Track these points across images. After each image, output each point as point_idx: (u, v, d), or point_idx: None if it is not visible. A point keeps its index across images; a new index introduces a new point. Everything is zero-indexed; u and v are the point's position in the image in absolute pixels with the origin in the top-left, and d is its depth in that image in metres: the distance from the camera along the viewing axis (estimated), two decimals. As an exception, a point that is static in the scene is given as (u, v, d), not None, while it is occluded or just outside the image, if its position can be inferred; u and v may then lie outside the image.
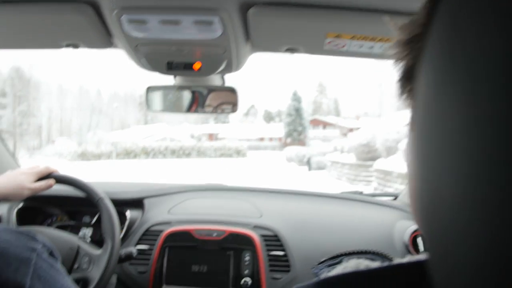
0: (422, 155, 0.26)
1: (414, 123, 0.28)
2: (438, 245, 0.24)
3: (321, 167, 18.23)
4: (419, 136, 0.27)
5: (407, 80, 0.30)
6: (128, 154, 22.44)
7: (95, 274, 1.17)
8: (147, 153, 23.43)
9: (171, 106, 1.55)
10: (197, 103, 1.49)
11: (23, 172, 1.23)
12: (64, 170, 1.36)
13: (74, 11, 0.94)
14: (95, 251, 1.23)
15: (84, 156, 25.56)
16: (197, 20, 0.93)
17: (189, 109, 1.52)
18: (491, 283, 0.19)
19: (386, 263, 0.33)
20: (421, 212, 0.27)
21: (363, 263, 0.40)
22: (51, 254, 0.52)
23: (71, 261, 1.19)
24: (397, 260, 0.34)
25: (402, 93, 0.32)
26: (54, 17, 0.96)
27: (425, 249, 0.27)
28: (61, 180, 1.31)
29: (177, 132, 28.27)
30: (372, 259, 1.10)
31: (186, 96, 1.50)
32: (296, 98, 51.07)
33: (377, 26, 0.94)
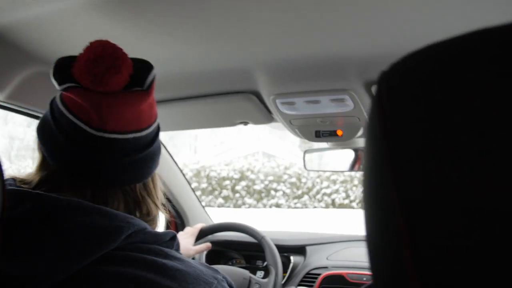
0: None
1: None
2: None
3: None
4: None
5: None
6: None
7: None
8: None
9: (332, 165, 1.78)
10: (360, 161, 1.69)
11: (186, 237, 1.58)
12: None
13: (243, 99, 1.28)
14: (263, 280, 1.52)
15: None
16: (332, 98, 1.18)
17: (353, 167, 1.72)
18: None
19: None
20: None
21: None
22: (229, 285, 0.73)
23: None
24: None
25: None
26: (229, 104, 1.32)
27: None
28: (214, 230, 1.68)
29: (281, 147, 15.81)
30: None
31: (349, 155, 1.72)
32: None
33: None
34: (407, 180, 0.29)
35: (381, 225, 0.32)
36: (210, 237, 1.97)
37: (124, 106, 0.69)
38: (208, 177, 12.46)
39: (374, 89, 1.15)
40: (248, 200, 12.17)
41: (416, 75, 0.30)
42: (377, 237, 0.33)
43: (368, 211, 0.35)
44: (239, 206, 11.99)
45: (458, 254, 0.26)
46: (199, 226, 1.68)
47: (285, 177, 12.08)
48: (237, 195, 12.24)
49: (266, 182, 12.15)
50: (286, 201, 11.99)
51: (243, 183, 12.26)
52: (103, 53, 0.67)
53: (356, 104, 1.19)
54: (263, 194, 12.17)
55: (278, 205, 11.98)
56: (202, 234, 1.69)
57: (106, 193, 0.72)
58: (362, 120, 1.27)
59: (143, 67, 0.73)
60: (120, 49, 0.70)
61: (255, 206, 11.92)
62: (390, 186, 0.30)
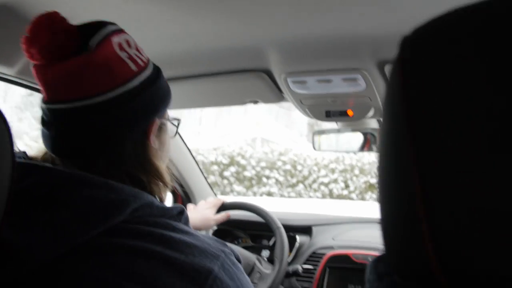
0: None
1: None
2: None
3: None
4: None
5: None
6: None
7: None
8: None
9: (341, 145, 1.78)
10: (369, 143, 1.70)
11: (208, 207, 1.60)
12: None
13: (254, 77, 1.28)
14: (266, 270, 1.53)
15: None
16: (344, 78, 1.18)
17: (362, 149, 1.73)
18: None
19: None
20: None
21: None
22: (236, 258, 0.73)
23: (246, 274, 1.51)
24: None
25: None
26: (240, 83, 1.33)
27: None
28: (236, 207, 1.68)
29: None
30: None
31: (358, 137, 1.72)
32: None
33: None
34: (426, 147, 0.28)
35: (397, 196, 0.32)
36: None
37: (59, 75, 0.67)
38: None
39: (387, 68, 1.15)
40: (237, 187, 10.66)
41: (442, 38, 0.30)
42: (393, 209, 0.33)
43: (382, 185, 0.34)
44: (227, 194, 10.48)
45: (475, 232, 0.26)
46: (222, 199, 1.70)
47: (279, 163, 10.68)
48: (225, 181, 10.64)
49: (258, 169, 10.66)
50: (279, 189, 10.58)
51: (232, 168, 10.74)
52: (31, 25, 0.67)
53: (368, 84, 1.19)
54: (253, 182, 10.66)
55: (270, 194, 10.50)
56: (222, 209, 1.69)
57: (100, 165, 0.70)
58: (374, 100, 1.27)
59: (87, 30, 0.69)
60: (48, 17, 0.67)
61: (244, 194, 10.50)
62: (408, 153, 0.29)
